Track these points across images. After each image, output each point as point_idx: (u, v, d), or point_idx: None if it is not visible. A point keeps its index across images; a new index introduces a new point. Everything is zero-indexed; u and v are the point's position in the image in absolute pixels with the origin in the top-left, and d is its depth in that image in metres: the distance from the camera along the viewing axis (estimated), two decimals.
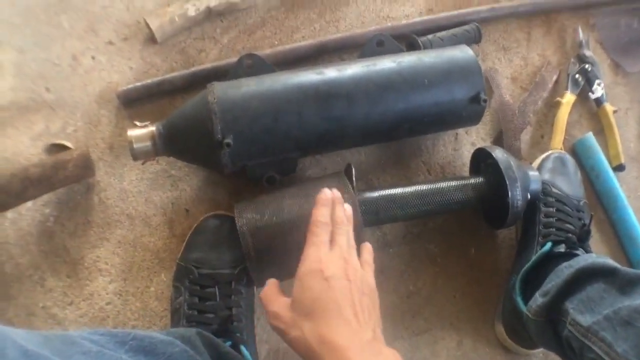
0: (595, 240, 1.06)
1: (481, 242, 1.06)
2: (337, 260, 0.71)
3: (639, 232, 1.08)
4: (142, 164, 0.98)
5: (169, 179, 1.02)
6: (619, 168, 1.11)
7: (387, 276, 1.02)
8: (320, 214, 0.77)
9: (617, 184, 1.09)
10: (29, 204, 0.98)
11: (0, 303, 0.96)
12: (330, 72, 0.92)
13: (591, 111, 1.17)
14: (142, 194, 1.01)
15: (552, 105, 1.15)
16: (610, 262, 0.84)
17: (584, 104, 1.17)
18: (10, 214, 0.98)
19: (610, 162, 1.11)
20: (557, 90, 1.16)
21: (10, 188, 0.93)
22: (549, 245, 0.94)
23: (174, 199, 1.02)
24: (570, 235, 0.95)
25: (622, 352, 0.71)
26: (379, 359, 0.64)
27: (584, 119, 1.16)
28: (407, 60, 0.96)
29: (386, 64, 0.95)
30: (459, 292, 1.03)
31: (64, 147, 1.01)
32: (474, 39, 1.10)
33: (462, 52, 0.98)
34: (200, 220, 0.96)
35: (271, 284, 0.75)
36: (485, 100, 0.96)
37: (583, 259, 0.88)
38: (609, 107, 1.14)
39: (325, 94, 0.90)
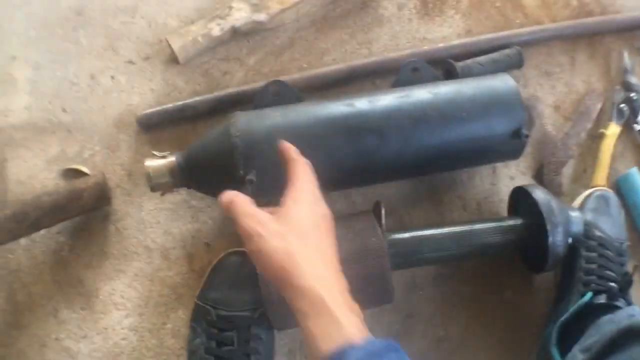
0: (635, 282, 0.99)
1: (517, 285, 0.99)
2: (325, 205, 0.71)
3: None
4: (162, 195, 0.93)
5: (190, 210, 0.98)
6: None
7: (416, 320, 0.97)
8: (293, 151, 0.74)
9: None
10: (43, 231, 0.94)
11: (12, 331, 0.94)
12: (361, 104, 0.87)
13: (636, 143, 1.09)
14: (161, 225, 0.97)
15: (596, 137, 1.07)
16: None
17: (628, 135, 1.09)
18: (23, 240, 0.95)
19: None
20: (601, 120, 1.09)
21: (23, 217, 0.90)
22: (589, 295, 0.88)
23: (194, 231, 0.97)
24: (612, 284, 0.90)
25: None
26: (352, 303, 0.62)
27: (628, 151, 1.09)
28: (444, 91, 0.89)
29: (421, 95, 0.89)
30: (492, 339, 0.97)
31: (80, 173, 0.98)
32: (515, 64, 1.03)
33: (504, 83, 0.91)
34: (220, 257, 0.92)
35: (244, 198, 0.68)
36: (527, 136, 0.89)
37: (626, 315, 0.83)
38: None
39: (356, 128, 0.85)
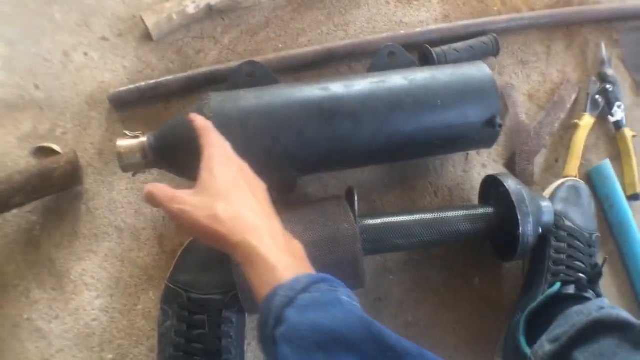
0: (604, 272, 1.01)
1: (486, 272, 1.00)
2: (237, 158, 0.74)
3: None
4: (133, 175, 0.93)
5: None
6: (634, 197, 1.05)
7: (385, 304, 0.97)
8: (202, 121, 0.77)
9: (631, 216, 1.04)
10: (15, 210, 0.93)
11: None
12: (336, 88, 0.86)
13: (609, 134, 1.10)
14: (132, 206, 0.96)
15: (569, 127, 1.08)
16: (624, 314, 0.80)
17: (602, 127, 1.10)
18: None
19: (625, 191, 1.05)
20: (575, 110, 1.10)
21: None
22: (557, 285, 0.89)
23: (165, 212, 0.96)
24: (580, 275, 0.91)
25: None
26: (288, 244, 0.66)
27: (601, 142, 1.10)
28: (419, 77, 0.89)
29: (397, 81, 0.88)
30: (460, 324, 0.98)
31: (52, 151, 0.96)
32: (491, 51, 1.04)
33: (479, 71, 0.91)
34: (191, 239, 0.91)
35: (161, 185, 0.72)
36: (500, 125, 0.89)
37: (595, 307, 0.84)
38: (627, 132, 1.07)
39: (330, 112, 0.84)
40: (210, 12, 1.02)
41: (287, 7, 1.06)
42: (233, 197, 0.68)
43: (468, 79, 0.90)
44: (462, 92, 0.88)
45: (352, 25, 1.07)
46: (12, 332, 0.92)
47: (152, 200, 0.70)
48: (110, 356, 0.92)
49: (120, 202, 0.96)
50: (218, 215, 0.65)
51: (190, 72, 0.98)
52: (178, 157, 0.85)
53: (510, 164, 1.05)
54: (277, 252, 0.63)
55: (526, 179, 1.02)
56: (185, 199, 0.68)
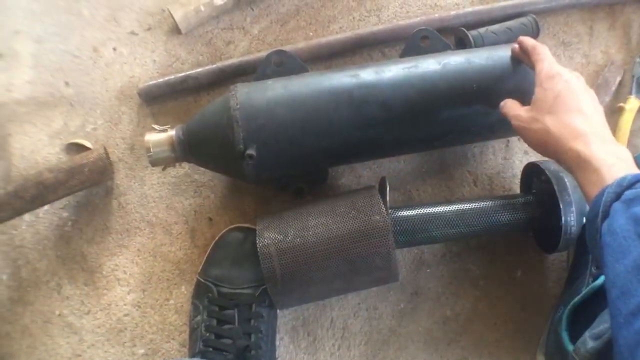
0: None
1: (529, 264, 0.96)
2: (567, 70, 0.78)
3: None
4: (163, 169, 0.92)
5: (192, 185, 0.96)
6: None
7: (422, 299, 0.94)
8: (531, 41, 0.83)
9: None
10: (46, 206, 0.93)
11: (16, 308, 0.93)
12: (367, 75, 0.83)
13: None
14: (164, 200, 0.96)
15: (615, 111, 1.03)
16: None
17: None
18: (27, 216, 0.94)
19: None
20: (620, 93, 1.04)
21: (24, 194, 0.89)
22: (602, 278, 0.84)
23: (197, 206, 0.95)
24: None
25: None
26: (614, 148, 0.69)
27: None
28: (453, 61, 0.85)
29: (430, 66, 0.84)
30: (501, 319, 0.94)
31: (83, 147, 0.96)
32: (531, 33, 0.98)
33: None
34: (222, 233, 0.90)
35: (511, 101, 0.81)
36: None
37: None
38: None
39: (360, 100, 0.81)
40: (238, 2, 1.00)
41: None
42: (560, 109, 0.73)
43: (505, 61, 0.85)
44: (499, 75, 0.84)
45: (385, 10, 1.03)
46: (43, 328, 0.93)
47: (504, 112, 0.80)
48: (141, 351, 0.92)
49: (151, 197, 0.96)
50: (548, 128, 0.72)
51: (219, 64, 0.97)
52: (206, 149, 0.84)
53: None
54: (603, 155, 0.67)
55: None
56: (522, 117, 0.77)
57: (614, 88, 1.03)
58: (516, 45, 0.84)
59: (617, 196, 0.61)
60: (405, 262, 0.94)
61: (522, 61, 0.85)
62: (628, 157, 0.69)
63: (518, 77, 0.85)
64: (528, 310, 0.94)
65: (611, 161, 0.66)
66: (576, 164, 0.68)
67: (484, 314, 0.95)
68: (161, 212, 0.95)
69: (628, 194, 0.60)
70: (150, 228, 0.95)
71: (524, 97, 0.81)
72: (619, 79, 1.03)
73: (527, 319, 0.94)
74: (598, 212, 0.62)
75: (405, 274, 0.93)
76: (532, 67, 0.80)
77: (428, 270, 0.95)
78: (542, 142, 0.74)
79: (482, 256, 0.96)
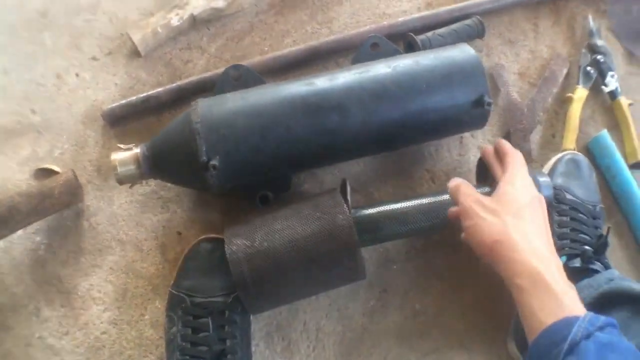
0: (612, 244, 0.99)
1: None
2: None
3: None
4: (130, 187, 0.94)
5: (159, 201, 0.98)
6: (636, 166, 1.04)
7: (391, 295, 0.97)
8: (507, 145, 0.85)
9: (635, 185, 1.02)
10: (20, 232, 0.95)
11: None
12: (321, 82, 0.87)
13: (605, 105, 1.09)
14: (133, 218, 0.98)
15: (563, 102, 1.07)
16: (635, 286, 0.79)
17: (597, 98, 1.09)
18: (1, 243, 0.95)
19: (626, 160, 1.04)
20: (568, 84, 1.09)
21: None
22: (563, 259, 0.88)
23: (165, 221, 0.98)
24: (586, 247, 0.90)
25: None
26: (570, 289, 0.66)
27: (597, 114, 1.09)
28: (402, 64, 0.89)
29: (380, 69, 0.88)
30: (469, 309, 0.97)
31: (52, 172, 0.98)
32: (476, 34, 1.03)
33: (463, 52, 0.91)
34: (191, 245, 0.92)
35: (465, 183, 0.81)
36: (489, 104, 0.89)
37: (604, 279, 0.83)
38: (623, 101, 1.06)
39: (315, 106, 0.85)
40: (194, 22, 1.03)
41: (270, 11, 1.07)
42: (526, 218, 0.71)
43: (451, 61, 0.90)
44: (446, 74, 0.88)
45: (336, 22, 1.08)
46: (25, 352, 0.93)
47: (454, 192, 0.79)
48: None
49: (121, 216, 0.98)
50: (508, 228, 0.70)
51: (179, 83, 1.00)
52: (171, 164, 0.87)
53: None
54: (562, 284, 0.65)
55: (524, 157, 1.01)
56: (482, 201, 0.74)
57: (561, 79, 1.07)
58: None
59: (588, 335, 0.59)
60: (372, 260, 0.97)
61: (489, 166, 0.86)
62: (577, 295, 0.67)
63: (465, 74, 0.89)
64: (495, 298, 0.97)
65: (574, 294, 0.65)
66: (532, 283, 0.65)
67: (452, 305, 0.97)
68: (131, 229, 0.97)
69: (601, 337, 0.58)
70: (121, 246, 0.97)
71: (472, 90, 0.85)
72: (565, 70, 1.08)
73: (494, 307, 0.97)
74: (557, 342, 0.59)
75: (372, 272, 0.96)
76: (498, 170, 0.82)
77: (395, 267, 0.98)
78: (491, 241, 0.71)
79: (446, 249, 0.99)
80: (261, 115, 0.84)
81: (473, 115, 0.91)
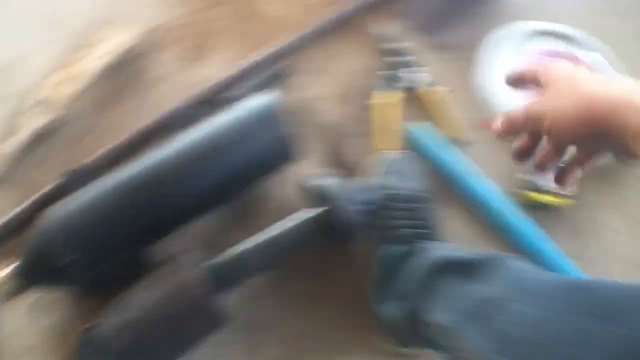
0: (456, 227, 1.09)
1: (345, 261, 1.04)
2: None
3: (496, 203, 1.10)
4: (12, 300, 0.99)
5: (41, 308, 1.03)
6: (463, 144, 1.13)
7: (267, 329, 1.01)
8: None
9: (464, 164, 1.11)
10: None
11: None
12: (137, 165, 0.97)
13: (422, 99, 1.18)
14: (31, 325, 1.02)
15: (370, 109, 1.17)
16: (456, 252, 0.86)
17: (412, 94, 1.18)
18: None
19: (453, 142, 1.13)
20: (372, 93, 1.18)
21: None
22: (385, 249, 0.96)
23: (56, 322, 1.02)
24: (416, 230, 0.96)
25: (478, 347, 0.71)
26: None
27: (416, 109, 1.18)
28: (200, 129, 0.99)
29: (182, 140, 0.98)
30: (344, 319, 1.02)
31: None
32: (278, 78, 1.14)
33: (256, 100, 1.01)
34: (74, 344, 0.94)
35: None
36: (291, 138, 0.98)
37: (428, 255, 0.90)
38: (438, 89, 1.16)
39: (144, 185, 0.95)
40: (36, 139, 1.14)
41: (102, 110, 1.18)
42: (583, 81, 0.72)
43: (246, 111, 1.00)
44: (243, 125, 0.98)
45: (163, 101, 1.17)
46: None
47: (509, 126, 0.80)
48: None
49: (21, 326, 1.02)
50: (589, 92, 0.69)
51: (32, 199, 1.09)
52: (38, 271, 0.94)
53: (332, 164, 1.13)
54: None
55: (350, 172, 1.11)
56: (530, 105, 0.76)
57: (365, 91, 1.18)
58: None
59: None
60: (239, 300, 1.02)
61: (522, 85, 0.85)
62: None
63: (260, 118, 0.99)
64: (365, 302, 1.01)
65: None
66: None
67: (329, 320, 1.02)
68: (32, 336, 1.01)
69: None
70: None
71: (271, 131, 0.97)
72: (367, 82, 1.18)
73: (365, 308, 1.00)
74: None
75: (242, 311, 1.01)
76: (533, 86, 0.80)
77: (262, 302, 1.03)
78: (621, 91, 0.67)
79: (304, 272, 1.05)
80: (100, 208, 0.94)
81: (281, 153, 1.00)
